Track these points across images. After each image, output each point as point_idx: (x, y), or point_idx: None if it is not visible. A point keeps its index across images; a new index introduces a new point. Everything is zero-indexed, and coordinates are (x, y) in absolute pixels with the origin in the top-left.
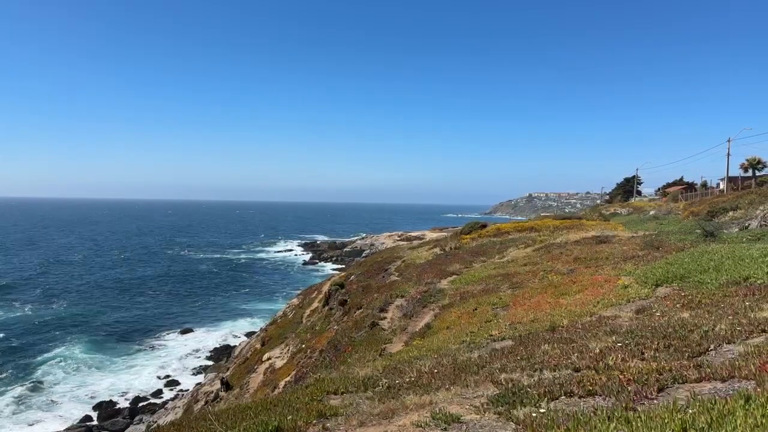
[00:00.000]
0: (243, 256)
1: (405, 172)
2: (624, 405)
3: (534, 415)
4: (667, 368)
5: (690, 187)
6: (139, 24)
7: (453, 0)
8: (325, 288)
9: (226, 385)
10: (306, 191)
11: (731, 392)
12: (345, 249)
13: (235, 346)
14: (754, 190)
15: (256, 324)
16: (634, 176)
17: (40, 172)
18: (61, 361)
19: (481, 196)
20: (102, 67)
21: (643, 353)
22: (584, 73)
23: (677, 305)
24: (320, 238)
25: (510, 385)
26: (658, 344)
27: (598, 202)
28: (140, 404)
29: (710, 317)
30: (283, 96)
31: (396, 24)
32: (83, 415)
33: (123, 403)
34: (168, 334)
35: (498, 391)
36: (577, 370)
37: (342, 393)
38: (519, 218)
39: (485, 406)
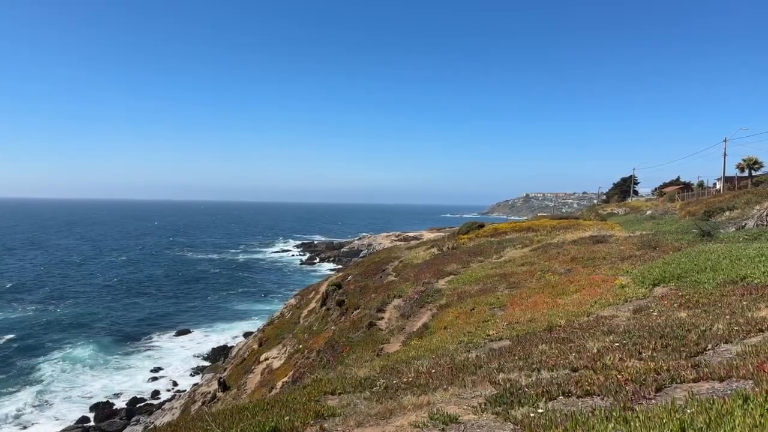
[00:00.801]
0: (241, 256)
1: (403, 172)
2: (622, 405)
3: (532, 415)
4: (664, 368)
5: (687, 186)
6: (137, 24)
7: (452, 0)
8: (323, 288)
9: (224, 386)
10: (304, 192)
11: (729, 392)
12: (342, 249)
13: (232, 347)
14: (750, 189)
15: (254, 324)
16: (631, 176)
17: (39, 173)
18: (58, 362)
19: (478, 197)
20: (101, 68)
21: (640, 353)
22: (581, 73)
23: (674, 305)
24: (318, 238)
25: (508, 385)
26: (655, 344)
27: (595, 202)
28: (137, 405)
29: (707, 317)
30: (282, 96)
31: (395, 24)
32: (80, 415)
33: (120, 404)
34: (165, 334)
35: (496, 391)
36: (574, 370)
37: (339, 393)
38: (516, 218)
39: (483, 407)
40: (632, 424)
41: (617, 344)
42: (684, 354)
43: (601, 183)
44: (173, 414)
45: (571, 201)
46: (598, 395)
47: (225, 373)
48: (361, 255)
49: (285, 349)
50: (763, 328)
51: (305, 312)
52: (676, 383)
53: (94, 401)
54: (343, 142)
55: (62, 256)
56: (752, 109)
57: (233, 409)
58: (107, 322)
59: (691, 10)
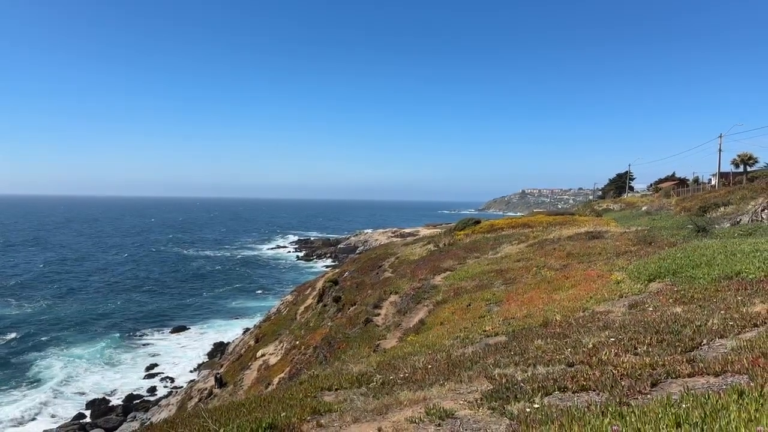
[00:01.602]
0: (237, 253)
1: (400, 169)
2: (618, 400)
3: (528, 410)
4: (660, 363)
5: (682, 182)
6: (133, 23)
7: (451, 1)
8: (319, 285)
9: (220, 382)
10: (301, 188)
11: (724, 387)
12: (339, 246)
13: (228, 343)
14: (745, 185)
15: (251, 321)
16: (627, 172)
17: (34, 170)
18: (54, 359)
19: (474, 193)
20: (100, 66)
21: (636, 348)
22: (577, 71)
23: (670, 300)
24: (314, 234)
25: (504, 380)
26: (651, 339)
27: (591, 198)
28: (134, 401)
29: (703, 312)
30: (279, 93)
31: (394, 23)
32: (76, 412)
33: (116, 401)
34: (162, 331)
35: (492, 387)
36: (570, 365)
37: (336, 389)
38: (512, 214)
39: (479, 402)
40: (628, 419)
41: (613, 339)
42: (679, 349)
43: (597, 179)
44: (170, 410)
45: (566, 197)
46: (594, 390)
47: (222, 370)
48: (357, 251)
49: (282, 345)
50: (758, 323)
51: (302, 308)
52: (672, 378)
53: (90, 398)
54: (339, 139)
55: (62, 254)
56: (748, 105)
57: (230, 405)
58: (104, 319)
59: (686, 7)
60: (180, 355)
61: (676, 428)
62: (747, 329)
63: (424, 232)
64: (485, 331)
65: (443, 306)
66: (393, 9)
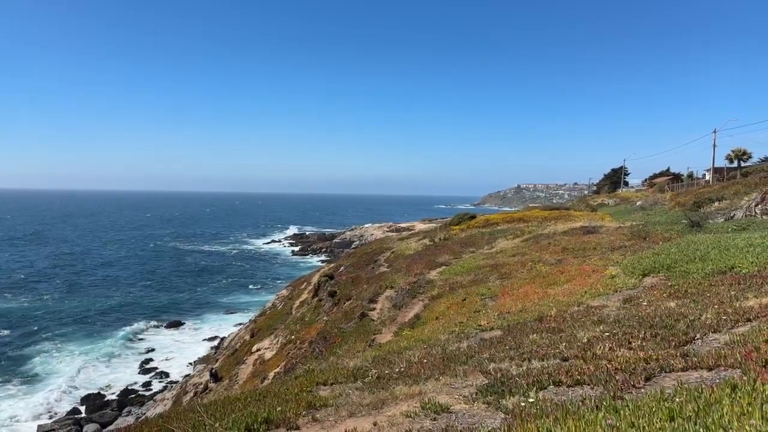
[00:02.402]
0: (232, 248)
1: (397, 164)
2: (612, 394)
3: (523, 404)
4: (654, 357)
5: (676, 177)
6: (132, 19)
7: None
8: (315, 279)
9: (215, 377)
10: (297, 183)
11: (717, 381)
12: (334, 240)
13: (224, 338)
14: (739, 180)
15: (246, 316)
16: (622, 167)
17: (28, 164)
18: (49, 354)
19: (470, 188)
20: (101, 64)
21: (630, 342)
22: (573, 67)
23: (664, 295)
24: (310, 229)
25: (499, 374)
26: (645, 334)
27: (586, 193)
28: (129, 396)
29: (696, 307)
30: (274, 89)
31: (394, 19)
32: (71, 407)
33: (111, 396)
34: (157, 326)
35: (487, 381)
36: (565, 359)
37: (332, 384)
38: (507, 209)
39: (474, 396)
40: (622, 413)
41: (607, 334)
42: (673, 343)
43: (592, 174)
44: (165, 405)
45: (562, 192)
46: (589, 384)
47: (217, 364)
48: (353, 246)
49: (277, 340)
50: (751, 317)
51: (297, 303)
52: (665, 372)
53: (85, 393)
54: (337, 134)
55: (59, 249)
56: (742, 100)
57: (225, 399)
58: (99, 314)
59: (680, 2)
60: (175, 349)
61: (670, 422)
62: (740, 324)
63: (420, 226)
64: (480, 325)
65: (438, 300)
66: (395, 5)
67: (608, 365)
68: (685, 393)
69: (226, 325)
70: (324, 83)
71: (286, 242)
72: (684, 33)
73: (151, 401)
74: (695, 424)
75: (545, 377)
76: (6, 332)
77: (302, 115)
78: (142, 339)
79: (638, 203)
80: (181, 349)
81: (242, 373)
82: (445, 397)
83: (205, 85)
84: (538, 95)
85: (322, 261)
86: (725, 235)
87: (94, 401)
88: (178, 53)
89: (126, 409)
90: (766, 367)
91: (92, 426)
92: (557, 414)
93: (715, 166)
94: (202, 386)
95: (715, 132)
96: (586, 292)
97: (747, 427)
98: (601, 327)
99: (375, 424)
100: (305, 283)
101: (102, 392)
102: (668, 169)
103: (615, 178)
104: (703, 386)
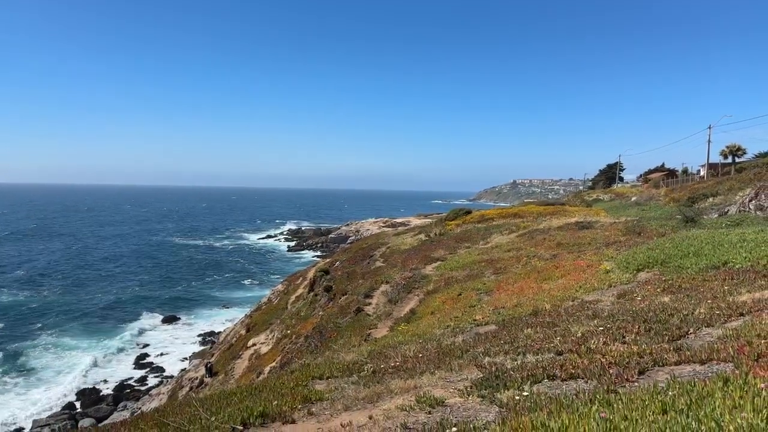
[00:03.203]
0: (228, 242)
1: (394, 159)
2: (605, 388)
3: (517, 398)
4: (647, 351)
5: (671, 173)
6: (133, 13)
7: None
8: (310, 274)
9: (211, 371)
10: (292, 178)
11: (710, 374)
12: (330, 235)
13: (220, 332)
14: (733, 176)
15: (242, 310)
16: (617, 163)
17: (25, 158)
18: (44, 349)
19: (466, 183)
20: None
21: (624, 337)
22: (568, 63)
23: (658, 290)
24: (306, 224)
25: (493, 368)
26: (639, 328)
27: (581, 188)
28: (124, 391)
29: (690, 301)
30: (274, 84)
31: (394, 14)
32: (66, 402)
33: (107, 390)
34: (153, 320)
35: (482, 375)
36: (559, 353)
37: (327, 378)
38: (503, 204)
39: (469, 390)
40: (615, 406)
41: (601, 328)
42: (666, 338)
43: (588, 170)
44: (160, 399)
45: (557, 187)
46: (582, 378)
47: (213, 359)
48: (348, 241)
49: (273, 334)
50: (744, 312)
51: (293, 298)
52: (659, 366)
53: (80, 387)
54: (335, 129)
55: (56, 245)
56: (736, 97)
57: (221, 394)
58: (95, 308)
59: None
60: (170, 344)
61: (663, 415)
62: (733, 318)
63: (416, 221)
64: (475, 320)
65: (434, 295)
66: (396, 1)
67: (602, 359)
68: (677, 386)
69: (222, 320)
70: (318, 80)
71: (281, 237)
72: (680, 29)
73: (147, 396)
74: (687, 417)
75: (539, 371)
76: (2, 326)
77: (297, 111)
78: (137, 334)
79: (633, 199)
80: (176, 344)
81: (238, 368)
82: (440, 390)
83: (204, 80)
84: (534, 92)
85: (318, 256)
86: (719, 231)
87: (90, 396)
88: (174, 47)
89: (121, 404)
90: (758, 361)
91: (88, 420)
92: (551, 407)
93: (710, 161)
94: (197, 381)
95: (710, 128)
96: (580, 286)
97: (739, 420)
98: (596, 321)
99: (370, 417)
100: (301, 278)
101: (97, 387)
102: (663, 165)
103: (610, 174)
104: (696, 380)
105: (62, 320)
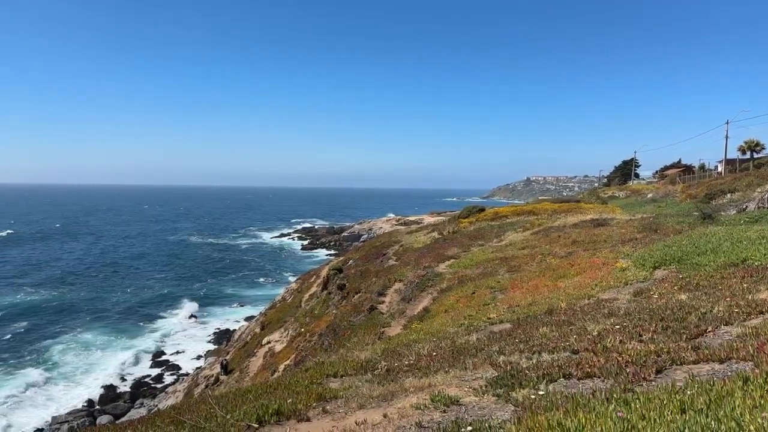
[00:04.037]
0: (243, 241)
1: (408, 157)
2: (622, 387)
3: (533, 397)
4: (665, 350)
5: (688, 169)
6: (143, 13)
7: None
8: (324, 272)
9: (226, 369)
10: (305, 176)
11: (729, 373)
12: (343, 234)
13: (234, 330)
14: (751, 172)
15: (256, 308)
16: (632, 159)
17: (44, 159)
18: (64, 346)
19: (479, 181)
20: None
21: (641, 335)
22: (583, 59)
23: (675, 287)
24: (319, 223)
25: (508, 367)
26: (656, 326)
27: (596, 185)
28: (141, 388)
29: (708, 299)
30: (286, 83)
31: (400, 11)
32: (85, 399)
33: (124, 388)
34: (168, 318)
35: (497, 374)
36: (575, 352)
37: (341, 376)
38: (517, 202)
39: (484, 389)
40: (633, 405)
41: (618, 327)
42: (684, 336)
43: (603, 166)
44: (176, 397)
45: (572, 184)
46: (599, 377)
47: (228, 357)
48: (361, 239)
49: (287, 332)
50: (764, 310)
51: (306, 296)
52: (677, 365)
53: (98, 385)
54: (347, 128)
55: (75, 244)
56: (755, 91)
57: (236, 391)
58: (111, 306)
59: None
60: (186, 342)
61: (681, 414)
62: (753, 316)
63: (429, 219)
64: (490, 318)
65: (447, 294)
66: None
67: (619, 358)
68: (696, 385)
69: (237, 318)
70: (330, 78)
71: (295, 236)
72: (700, 25)
73: (163, 393)
74: (707, 416)
75: (555, 370)
76: (21, 324)
77: (310, 111)
78: (154, 331)
79: (649, 195)
80: (192, 342)
81: (253, 366)
82: (455, 389)
83: (212, 79)
84: (549, 88)
85: (331, 254)
86: (737, 228)
87: (107, 393)
88: (177, 45)
89: (138, 401)
90: None
91: (105, 417)
92: (567, 406)
93: (728, 157)
94: (213, 378)
95: (727, 123)
96: (596, 284)
97: (759, 420)
98: (612, 320)
99: (385, 415)
100: (314, 277)
101: (114, 384)
102: (679, 161)
103: (626, 170)
104: (715, 379)
105: (79, 319)
